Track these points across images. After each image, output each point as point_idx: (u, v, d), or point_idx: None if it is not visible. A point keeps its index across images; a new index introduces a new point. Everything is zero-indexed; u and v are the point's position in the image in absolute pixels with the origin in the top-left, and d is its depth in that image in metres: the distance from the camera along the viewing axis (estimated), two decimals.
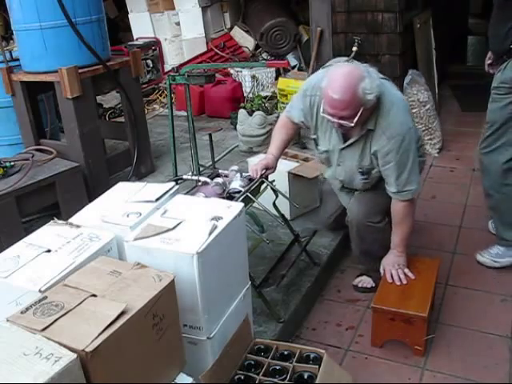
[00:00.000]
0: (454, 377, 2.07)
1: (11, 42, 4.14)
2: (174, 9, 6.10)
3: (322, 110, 2.12)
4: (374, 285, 2.52)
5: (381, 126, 2.13)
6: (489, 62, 2.77)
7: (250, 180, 2.35)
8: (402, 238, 2.32)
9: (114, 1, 6.89)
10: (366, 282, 2.60)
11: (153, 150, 4.07)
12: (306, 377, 1.68)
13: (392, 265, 2.32)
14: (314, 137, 2.39)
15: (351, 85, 1.97)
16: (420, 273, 2.34)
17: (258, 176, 2.30)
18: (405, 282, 2.27)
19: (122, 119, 4.32)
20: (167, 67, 6.08)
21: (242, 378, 1.68)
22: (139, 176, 3.74)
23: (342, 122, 2.05)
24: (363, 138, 2.20)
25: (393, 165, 2.16)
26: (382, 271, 2.36)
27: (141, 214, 1.72)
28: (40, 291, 1.34)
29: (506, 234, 2.68)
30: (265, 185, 2.39)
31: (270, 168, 2.37)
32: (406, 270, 2.31)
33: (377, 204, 2.36)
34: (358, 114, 2.01)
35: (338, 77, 2.01)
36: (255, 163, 2.39)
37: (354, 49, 4.06)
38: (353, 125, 2.04)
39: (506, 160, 2.55)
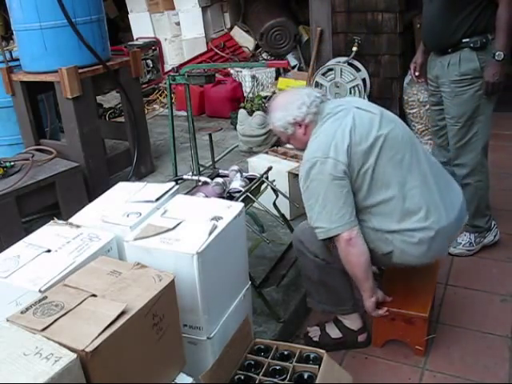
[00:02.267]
0: (454, 377, 2.06)
1: (11, 41, 4.15)
2: (174, 9, 6.10)
3: None
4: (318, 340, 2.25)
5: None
6: (417, 74, 2.83)
7: (250, 180, 2.35)
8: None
9: (114, 1, 6.89)
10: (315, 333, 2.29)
11: (153, 150, 4.07)
12: (306, 377, 1.68)
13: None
14: None
15: (270, 116, 2.15)
16: (420, 273, 2.34)
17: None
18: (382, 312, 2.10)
19: (122, 119, 4.33)
20: (167, 67, 6.08)
21: (242, 377, 1.68)
22: (139, 176, 3.74)
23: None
24: None
25: (303, 192, 1.97)
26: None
27: (141, 214, 1.72)
28: (40, 291, 1.34)
29: (478, 221, 2.76)
30: (265, 185, 2.39)
31: None
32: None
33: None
34: (289, 141, 2.17)
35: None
36: None
37: (354, 49, 4.06)
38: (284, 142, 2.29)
39: (482, 147, 2.61)
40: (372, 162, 1.91)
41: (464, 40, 2.44)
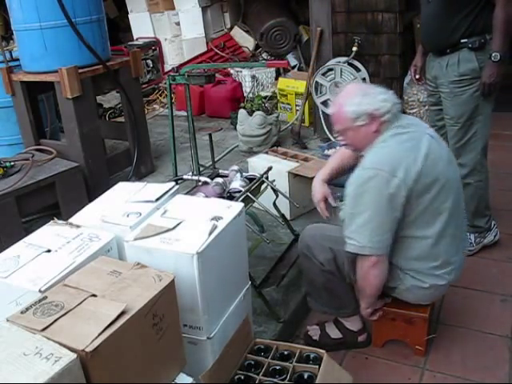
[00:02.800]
0: (454, 377, 2.06)
1: (11, 41, 4.15)
2: (173, 9, 6.10)
3: None
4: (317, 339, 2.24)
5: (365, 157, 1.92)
6: (417, 77, 2.84)
7: (250, 180, 2.35)
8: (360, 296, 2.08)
9: (114, 1, 6.89)
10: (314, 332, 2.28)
11: (153, 150, 4.07)
12: (305, 377, 1.68)
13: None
14: None
15: (341, 99, 1.95)
16: None
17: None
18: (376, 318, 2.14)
19: (122, 119, 4.33)
20: (167, 67, 6.08)
21: (242, 377, 1.68)
22: (139, 176, 3.74)
23: (338, 138, 2.07)
24: None
25: (350, 197, 1.87)
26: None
27: (141, 214, 1.72)
28: (40, 291, 1.34)
29: (478, 221, 2.77)
30: (265, 185, 2.39)
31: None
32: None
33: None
34: (346, 133, 1.96)
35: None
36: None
37: (354, 49, 4.06)
38: (342, 143, 2.04)
39: (481, 147, 2.62)
40: (429, 197, 1.86)
41: (462, 40, 2.45)
